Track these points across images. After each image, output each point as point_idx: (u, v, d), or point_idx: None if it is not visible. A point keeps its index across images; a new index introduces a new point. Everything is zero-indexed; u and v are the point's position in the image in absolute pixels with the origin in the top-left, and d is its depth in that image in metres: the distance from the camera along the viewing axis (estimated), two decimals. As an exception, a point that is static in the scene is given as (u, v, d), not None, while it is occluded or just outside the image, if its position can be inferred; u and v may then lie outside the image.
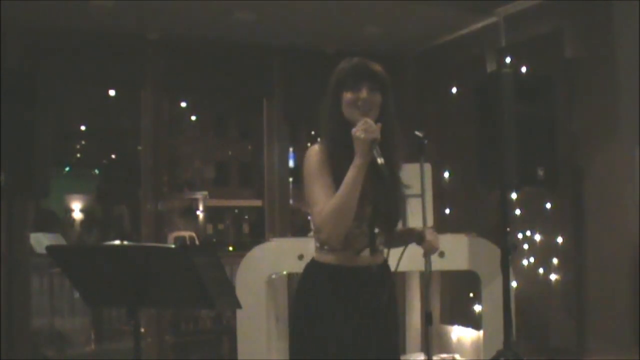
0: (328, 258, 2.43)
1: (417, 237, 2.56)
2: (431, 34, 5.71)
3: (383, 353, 2.46)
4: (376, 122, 2.34)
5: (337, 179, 2.33)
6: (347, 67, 2.45)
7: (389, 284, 2.54)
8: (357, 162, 2.28)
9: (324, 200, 2.31)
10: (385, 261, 2.53)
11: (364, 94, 2.39)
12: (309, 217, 4.54)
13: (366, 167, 2.29)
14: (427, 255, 2.60)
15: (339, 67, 2.48)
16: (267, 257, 4.41)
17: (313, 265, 2.48)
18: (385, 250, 2.54)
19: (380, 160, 2.27)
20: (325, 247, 2.43)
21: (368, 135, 2.27)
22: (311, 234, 4.49)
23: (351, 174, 2.28)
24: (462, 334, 5.59)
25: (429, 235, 2.54)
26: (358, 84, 2.40)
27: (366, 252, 2.43)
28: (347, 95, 2.41)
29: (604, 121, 4.47)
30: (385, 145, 2.34)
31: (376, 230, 2.44)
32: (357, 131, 2.29)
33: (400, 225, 2.62)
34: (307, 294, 2.47)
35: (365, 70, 2.43)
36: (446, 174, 5.64)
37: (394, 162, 2.47)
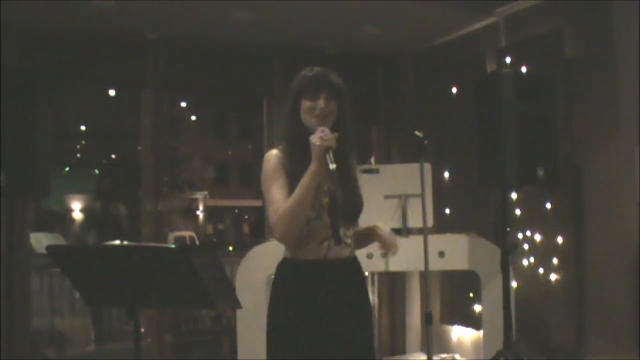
0: (295, 254, 2.54)
1: (375, 235, 2.61)
2: (431, 34, 5.71)
3: (353, 347, 2.51)
4: (332, 129, 2.49)
5: (292, 181, 2.47)
6: (308, 76, 2.58)
7: (359, 278, 2.63)
8: (312, 167, 2.43)
9: (279, 201, 2.46)
10: (355, 256, 2.62)
11: (321, 102, 2.52)
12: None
13: (321, 173, 2.42)
14: (386, 254, 2.64)
15: (299, 75, 2.61)
16: (267, 257, 4.40)
17: (283, 262, 2.61)
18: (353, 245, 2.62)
19: (332, 166, 2.39)
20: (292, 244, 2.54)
21: (324, 142, 2.42)
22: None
23: (305, 179, 2.42)
24: (462, 334, 5.59)
25: (385, 233, 2.58)
26: (316, 92, 2.53)
27: (331, 245, 2.50)
28: (306, 103, 2.54)
29: (604, 121, 4.47)
30: (339, 151, 2.47)
31: (339, 222, 2.52)
32: (314, 138, 2.43)
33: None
34: (277, 290, 2.59)
35: (324, 80, 2.56)
36: (446, 174, 5.64)
37: (349, 166, 2.61)
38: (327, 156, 2.41)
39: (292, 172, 2.49)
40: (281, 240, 2.51)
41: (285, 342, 2.48)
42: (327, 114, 2.52)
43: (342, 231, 2.53)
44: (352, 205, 2.58)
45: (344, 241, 2.53)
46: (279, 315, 2.52)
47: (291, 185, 2.47)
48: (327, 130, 2.45)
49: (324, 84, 2.55)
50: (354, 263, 2.61)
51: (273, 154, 2.58)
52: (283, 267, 2.60)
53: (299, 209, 2.42)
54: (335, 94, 2.56)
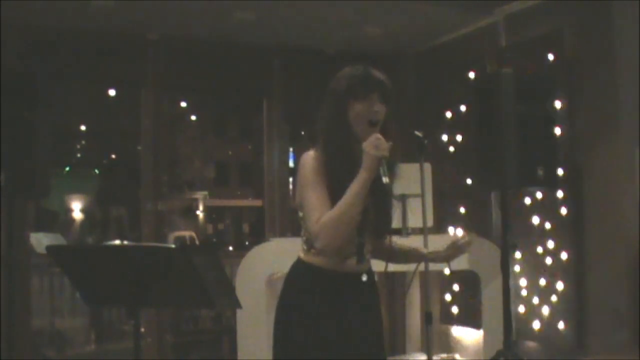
0: (315, 260, 2.42)
1: (441, 258, 2.68)
2: (431, 34, 5.71)
3: (367, 356, 2.45)
4: (381, 132, 2.33)
5: (333, 187, 2.32)
6: (358, 75, 2.41)
7: (374, 289, 2.54)
8: (363, 175, 2.27)
9: (321, 209, 2.29)
10: (370, 268, 2.52)
11: (376, 105, 2.37)
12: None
13: (370, 182, 2.28)
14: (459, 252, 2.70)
15: (346, 74, 2.43)
16: (267, 257, 4.41)
17: (299, 264, 2.47)
18: (386, 263, 2.55)
19: (385, 179, 2.26)
20: (312, 250, 2.41)
21: (378, 152, 2.27)
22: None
23: (355, 187, 2.27)
24: (462, 334, 5.59)
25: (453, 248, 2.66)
26: (369, 94, 2.37)
27: (353, 259, 2.41)
28: (357, 106, 2.37)
29: (604, 121, 4.47)
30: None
31: (365, 240, 2.43)
32: (368, 146, 2.28)
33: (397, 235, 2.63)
34: (292, 293, 2.46)
35: (376, 80, 2.40)
36: (446, 174, 5.64)
37: (393, 174, 2.46)
38: (381, 168, 2.26)
39: (334, 178, 2.32)
40: (323, 249, 2.33)
41: (295, 347, 2.40)
42: (380, 118, 2.37)
43: (365, 248, 2.43)
44: (382, 225, 2.47)
45: (365, 258, 2.45)
46: (294, 317, 2.42)
47: (332, 191, 2.31)
48: (381, 138, 2.29)
49: (376, 85, 2.38)
50: (370, 274, 2.52)
51: (311, 156, 2.38)
52: (299, 270, 2.47)
53: (345, 219, 2.26)
54: (386, 96, 2.40)
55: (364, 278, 2.46)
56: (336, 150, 2.37)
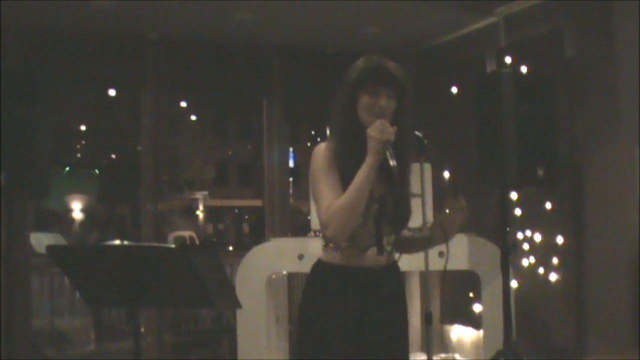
0: (334, 257, 2.41)
1: (440, 231, 2.57)
2: (431, 34, 5.71)
3: (389, 354, 2.44)
4: (390, 124, 2.31)
5: (344, 178, 2.32)
6: (368, 67, 2.40)
7: (398, 285, 2.52)
8: (369, 161, 2.27)
9: (330, 197, 2.30)
10: (394, 262, 2.50)
11: (382, 100, 2.36)
12: (308, 217, 4.54)
13: (377, 167, 2.27)
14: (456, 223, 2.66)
15: (358, 66, 2.42)
16: (267, 257, 4.41)
17: (319, 265, 2.47)
18: (397, 254, 2.50)
19: (392, 162, 2.25)
20: (331, 245, 2.41)
21: (383, 135, 2.26)
22: (311, 233, 4.49)
23: (362, 173, 2.27)
24: (462, 334, 5.59)
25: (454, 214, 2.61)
26: (377, 89, 2.36)
27: (372, 252, 2.40)
28: (364, 99, 2.37)
29: (604, 121, 4.47)
30: (398, 148, 2.31)
31: (384, 230, 2.41)
32: (373, 131, 2.27)
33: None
34: (313, 294, 2.45)
35: (386, 75, 2.38)
36: (446, 174, 5.64)
37: (406, 165, 2.44)
38: (388, 152, 2.25)
39: (344, 168, 2.32)
40: (333, 238, 2.34)
41: (317, 347, 2.38)
42: (387, 112, 2.35)
43: (385, 239, 2.41)
44: (400, 215, 2.44)
45: (386, 250, 2.42)
46: (316, 317, 2.40)
47: (343, 182, 2.31)
48: (385, 123, 2.28)
49: (385, 79, 2.36)
50: (393, 269, 2.50)
51: (323, 148, 2.39)
52: (319, 269, 2.46)
53: (353, 206, 2.25)
54: (396, 92, 2.38)
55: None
56: (345, 139, 2.38)
